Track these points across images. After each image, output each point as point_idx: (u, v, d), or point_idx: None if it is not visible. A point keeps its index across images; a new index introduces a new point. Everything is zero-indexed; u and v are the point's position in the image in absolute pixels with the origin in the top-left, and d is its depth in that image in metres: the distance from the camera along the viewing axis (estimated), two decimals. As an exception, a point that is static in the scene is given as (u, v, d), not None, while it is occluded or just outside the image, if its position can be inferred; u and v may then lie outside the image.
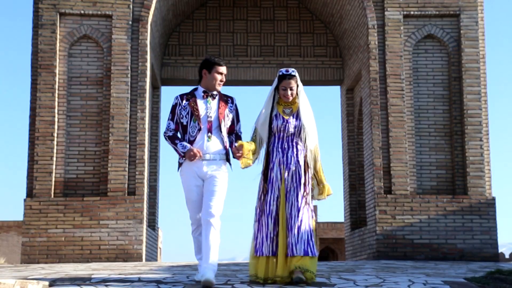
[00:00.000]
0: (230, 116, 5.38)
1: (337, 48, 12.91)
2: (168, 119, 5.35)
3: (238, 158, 5.27)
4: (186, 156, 5.16)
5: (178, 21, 12.66)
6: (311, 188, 5.45)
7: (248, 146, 5.33)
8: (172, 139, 5.28)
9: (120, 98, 10.21)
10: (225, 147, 5.30)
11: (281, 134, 5.40)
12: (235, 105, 5.46)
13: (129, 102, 10.25)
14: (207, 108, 5.28)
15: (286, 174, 5.32)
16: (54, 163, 10.06)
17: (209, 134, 5.22)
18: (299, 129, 5.39)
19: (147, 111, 10.42)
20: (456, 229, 10.11)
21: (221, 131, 5.27)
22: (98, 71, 10.40)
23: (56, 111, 10.17)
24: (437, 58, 10.73)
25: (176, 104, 5.34)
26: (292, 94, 5.42)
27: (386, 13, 10.62)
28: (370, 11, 10.67)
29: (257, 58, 12.76)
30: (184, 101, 5.32)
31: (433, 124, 10.57)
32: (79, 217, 9.86)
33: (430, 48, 10.76)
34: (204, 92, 5.34)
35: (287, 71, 5.41)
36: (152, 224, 11.65)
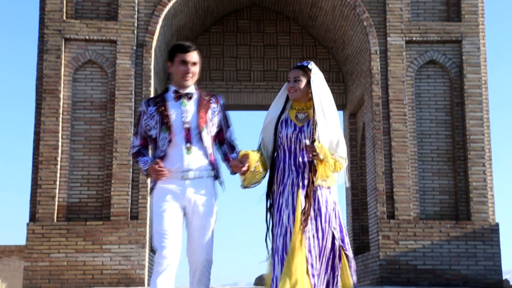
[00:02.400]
0: (216, 120, 4.00)
1: (340, 73, 12.98)
2: (133, 134, 4.09)
3: (242, 173, 3.95)
4: (151, 174, 3.85)
5: (182, 46, 12.73)
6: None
7: (255, 156, 4.00)
8: (135, 156, 3.99)
9: (123, 123, 10.25)
10: (210, 161, 3.93)
11: (292, 146, 4.03)
12: (221, 106, 4.07)
13: (132, 127, 10.28)
14: (181, 112, 3.90)
15: (302, 198, 3.92)
16: (57, 187, 10.07)
17: (188, 145, 3.86)
18: (314, 139, 4.02)
19: (150, 135, 10.44)
20: (459, 255, 10.06)
21: (202, 141, 3.90)
22: (102, 96, 10.46)
23: (60, 135, 10.20)
24: (439, 84, 10.77)
25: (142, 112, 4.00)
26: (296, 89, 4.08)
27: (388, 39, 10.69)
28: (373, 37, 10.75)
29: (260, 83, 12.83)
30: (150, 107, 3.95)
31: (435, 149, 10.57)
32: (81, 241, 9.84)
33: (432, 73, 10.81)
34: (175, 92, 3.96)
35: (300, 62, 4.25)
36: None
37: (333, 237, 3.96)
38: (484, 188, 10.30)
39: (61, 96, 10.30)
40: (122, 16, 10.53)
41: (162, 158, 3.85)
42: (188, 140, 3.87)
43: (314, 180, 3.94)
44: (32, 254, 9.80)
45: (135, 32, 10.53)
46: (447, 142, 10.59)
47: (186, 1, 11.26)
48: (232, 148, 4.05)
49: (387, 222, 10.14)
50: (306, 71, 4.13)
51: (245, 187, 4.06)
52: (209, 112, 3.97)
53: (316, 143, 3.94)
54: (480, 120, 10.50)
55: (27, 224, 9.94)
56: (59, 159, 10.14)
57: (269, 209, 4.08)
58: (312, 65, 4.15)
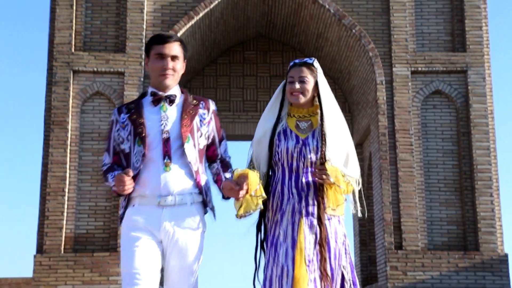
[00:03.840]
0: (205, 130, 3.11)
1: (346, 104, 13.03)
2: (105, 149, 3.20)
3: (238, 198, 2.99)
4: (116, 189, 2.96)
5: (188, 77, 12.86)
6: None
7: (255, 177, 3.04)
8: (105, 174, 3.11)
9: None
10: (197, 183, 3.02)
11: (294, 163, 3.17)
12: (213, 113, 3.18)
13: (140, 158, 10.31)
14: (160, 119, 3.05)
15: (307, 229, 3.06)
16: (65, 218, 10.08)
17: (166, 160, 2.97)
18: (324, 155, 3.16)
19: (157, 166, 10.47)
20: (468, 286, 9.97)
21: (185, 156, 3.01)
22: (110, 127, 10.52)
23: (67, 166, 10.25)
24: (446, 114, 10.80)
25: (113, 122, 3.15)
26: (303, 90, 3.21)
27: (394, 69, 10.75)
28: (378, 67, 10.81)
29: (266, 114, 12.89)
30: (123, 115, 3.10)
31: (443, 179, 10.55)
32: (88, 273, 9.81)
33: (438, 103, 10.84)
34: (153, 94, 3.12)
35: (300, 59, 3.33)
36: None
37: (343, 278, 3.13)
38: (492, 218, 10.25)
39: (69, 128, 10.37)
40: (130, 48, 10.65)
41: (135, 178, 2.96)
42: (166, 154, 2.98)
43: (325, 207, 3.09)
44: (39, 286, 9.77)
45: (143, 64, 10.64)
46: (454, 172, 10.57)
47: (193, 33, 11.38)
48: (226, 166, 3.15)
49: (395, 253, 10.08)
50: (313, 70, 3.26)
51: (241, 216, 3.09)
52: (196, 119, 3.09)
53: (327, 164, 3.11)
54: (487, 150, 10.50)
55: (34, 256, 9.93)
56: (66, 190, 10.17)
57: (261, 243, 3.21)
58: (317, 63, 3.32)
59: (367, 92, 11.48)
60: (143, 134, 3.00)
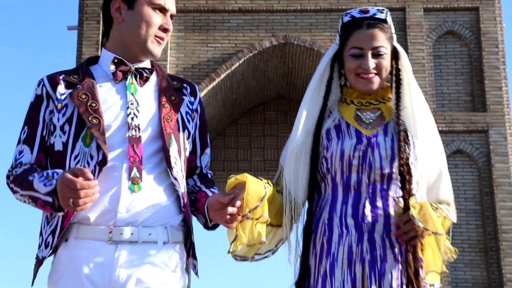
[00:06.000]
0: (190, 128, 2.04)
1: (367, 163, 13.03)
2: (18, 143, 1.94)
3: (229, 221, 1.86)
4: (60, 200, 1.72)
5: (210, 138, 12.95)
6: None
7: (257, 186, 1.91)
8: (20, 181, 1.86)
9: (152, 214, 10.31)
10: (183, 210, 1.92)
11: (353, 176, 2.00)
12: (199, 105, 2.08)
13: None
14: (126, 103, 1.91)
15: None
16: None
17: (134, 174, 1.84)
18: (406, 165, 2.01)
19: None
20: None
21: (170, 167, 1.90)
22: (132, 187, 10.58)
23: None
24: (467, 173, 10.74)
25: (38, 99, 1.94)
26: (380, 69, 2.04)
27: (414, 129, 10.78)
28: (399, 127, 10.86)
29: (287, 173, 12.92)
30: (60, 89, 1.90)
31: (466, 239, 10.41)
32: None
33: (460, 163, 10.80)
34: (117, 62, 1.96)
35: (364, 11, 2.06)
36: None
37: None
38: (518, 280, 10.05)
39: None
40: (153, 109, 10.82)
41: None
42: (135, 164, 1.84)
43: (421, 275, 1.97)
44: None
45: (165, 124, 10.79)
46: (478, 232, 10.43)
47: (215, 94, 11.56)
48: (211, 182, 2.08)
49: (419, 316, 9.87)
50: (387, 31, 2.05)
51: (239, 257, 1.99)
52: (182, 110, 1.99)
53: (412, 208, 1.93)
54: (510, 210, 10.38)
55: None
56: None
57: None
58: (388, 15, 2.08)
59: (388, 152, 11.49)
60: (100, 127, 1.82)
